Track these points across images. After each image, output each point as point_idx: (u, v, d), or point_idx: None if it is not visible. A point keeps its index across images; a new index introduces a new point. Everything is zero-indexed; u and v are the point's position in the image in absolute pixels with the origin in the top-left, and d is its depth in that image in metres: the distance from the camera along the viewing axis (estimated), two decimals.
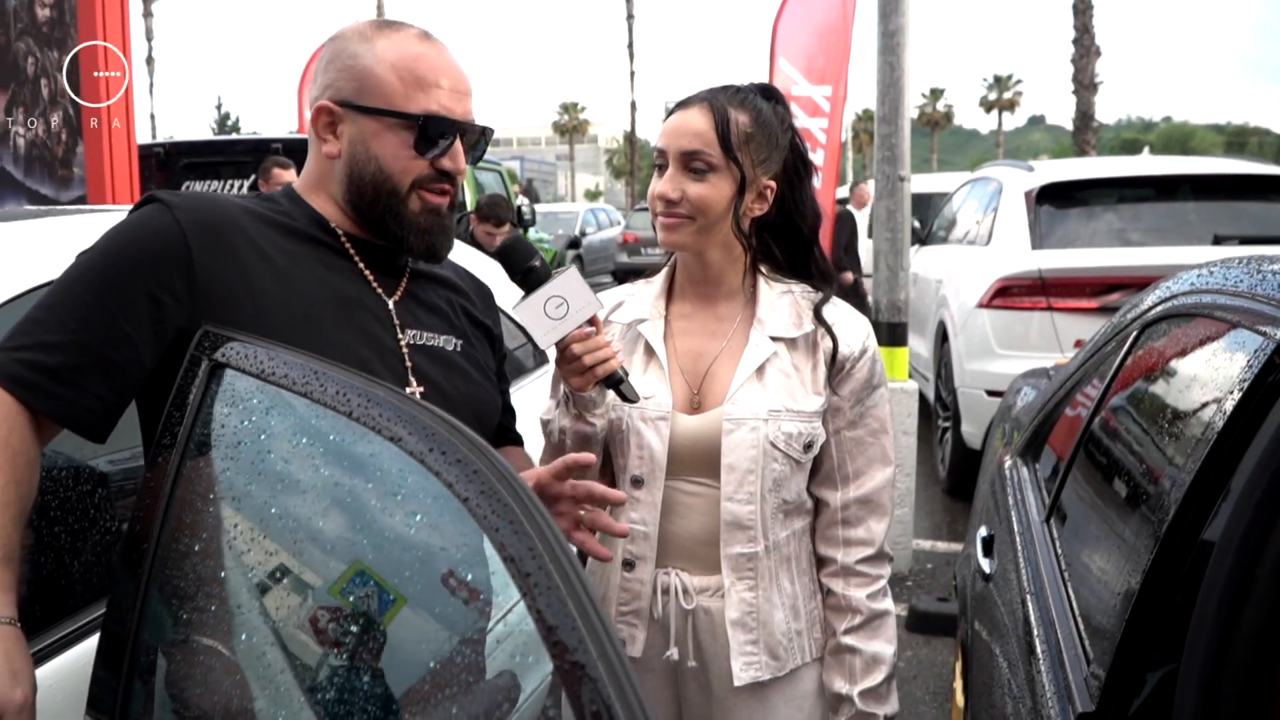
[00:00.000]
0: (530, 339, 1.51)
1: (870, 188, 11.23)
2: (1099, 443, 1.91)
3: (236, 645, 1.14)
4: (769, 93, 1.64)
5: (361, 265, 1.41)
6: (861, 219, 11.18)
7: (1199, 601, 1.28)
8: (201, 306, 1.26)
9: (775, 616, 1.59)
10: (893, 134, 4.70)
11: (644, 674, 1.64)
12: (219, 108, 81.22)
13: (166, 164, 7.46)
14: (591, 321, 1.49)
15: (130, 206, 1.37)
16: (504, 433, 1.66)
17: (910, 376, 5.25)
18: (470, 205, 7.43)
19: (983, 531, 2.40)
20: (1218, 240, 4.98)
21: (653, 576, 1.61)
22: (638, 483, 1.60)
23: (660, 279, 1.72)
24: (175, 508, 1.18)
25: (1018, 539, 2.10)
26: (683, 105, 1.59)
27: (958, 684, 2.70)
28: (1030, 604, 1.80)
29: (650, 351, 1.65)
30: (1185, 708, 1.27)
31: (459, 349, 1.49)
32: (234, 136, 12.09)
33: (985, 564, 2.25)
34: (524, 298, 1.50)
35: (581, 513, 1.36)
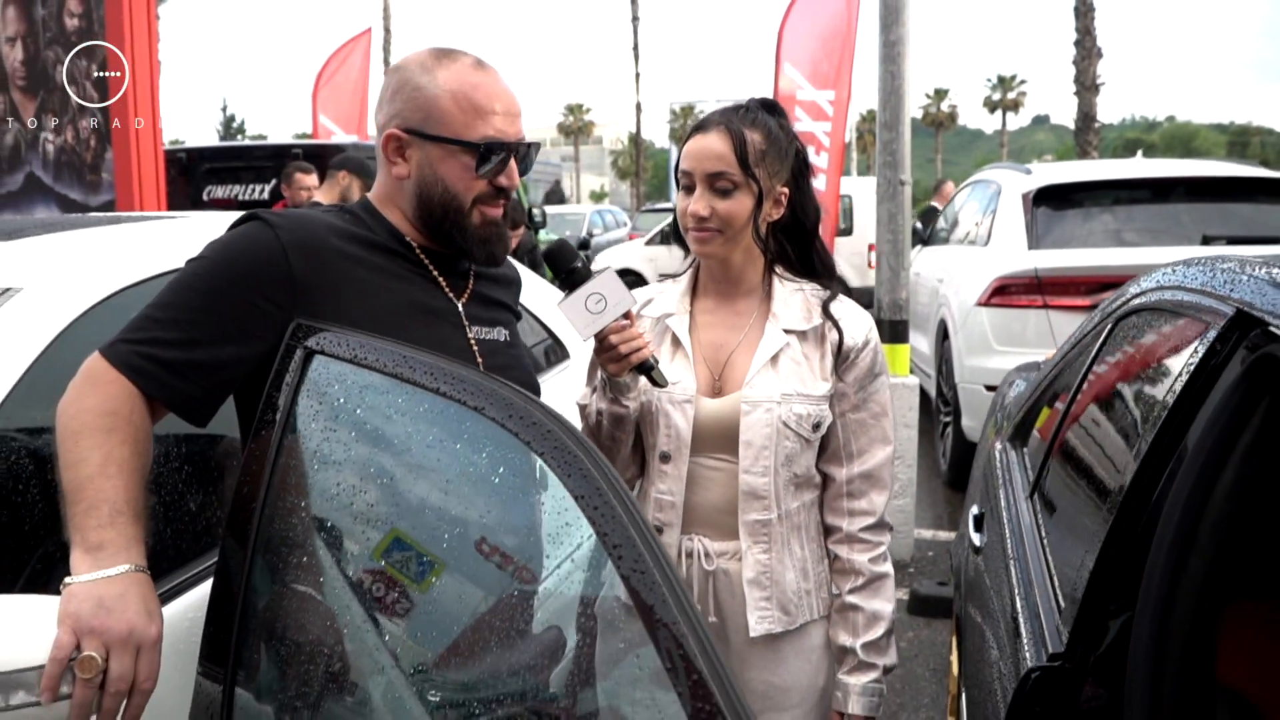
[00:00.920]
0: (574, 329, 1.71)
1: (952, 185, 11.56)
2: (1075, 425, 2.12)
3: (328, 592, 1.34)
4: (772, 107, 1.85)
5: (435, 273, 1.62)
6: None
7: (1150, 555, 1.48)
8: (300, 313, 1.45)
9: (787, 577, 1.80)
10: (894, 140, 4.91)
11: None
12: (224, 110, 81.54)
13: (189, 169, 7.65)
14: (626, 315, 1.70)
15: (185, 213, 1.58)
16: None
17: (912, 372, 5.45)
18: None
19: (974, 510, 2.61)
20: (1206, 240, 5.18)
21: (678, 541, 1.82)
22: (665, 458, 1.81)
23: (686, 279, 1.93)
24: (278, 477, 1.37)
25: (1004, 514, 2.31)
26: (700, 129, 1.79)
27: (954, 655, 2.90)
28: (1013, 569, 2.01)
29: (677, 342, 1.86)
30: (1140, 647, 1.47)
31: (508, 339, 1.71)
32: (254, 142, 12.30)
33: (976, 539, 2.46)
34: (567, 295, 1.70)
35: None
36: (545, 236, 14.67)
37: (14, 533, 1.55)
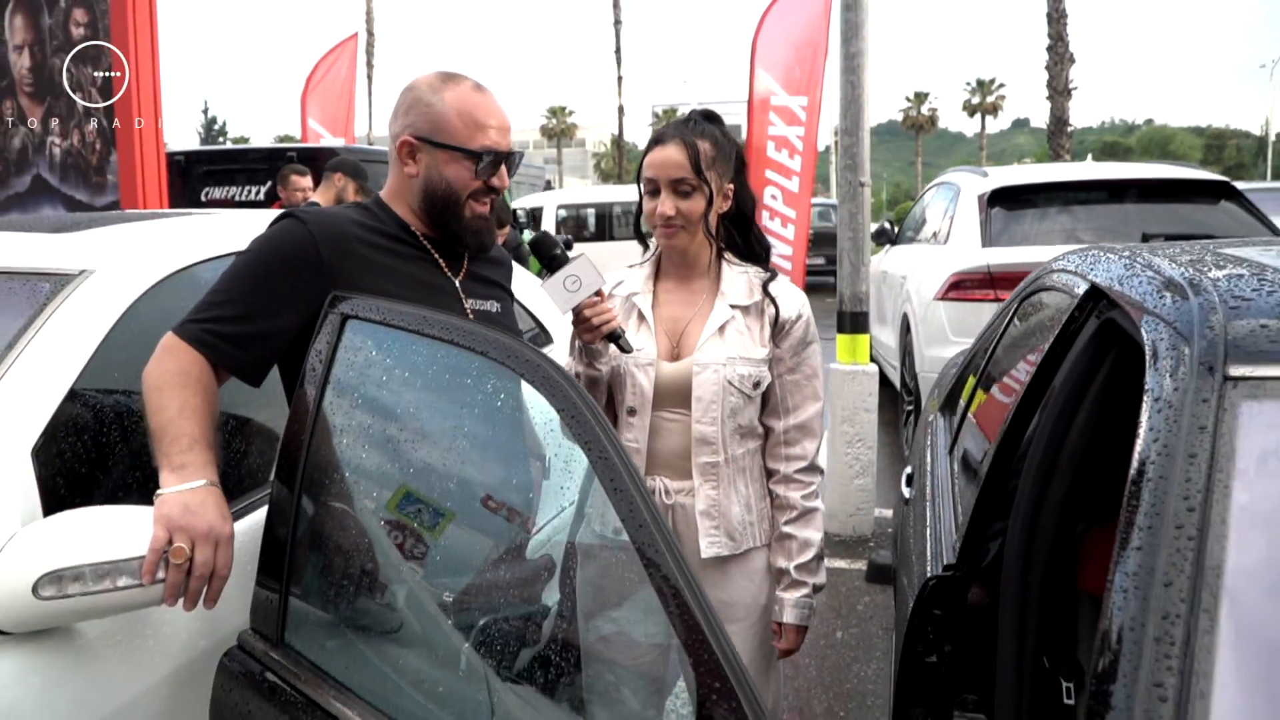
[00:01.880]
0: (555, 306, 2.07)
1: None
2: (980, 386, 2.50)
3: (362, 513, 1.69)
4: (713, 117, 2.23)
5: (436, 256, 1.98)
6: None
7: (1020, 483, 1.85)
8: (330, 290, 1.80)
9: (733, 510, 2.16)
10: (854, 144, 5.29)
11: None
12: (205, 112, 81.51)
13: (186, 171, 7.97)
14: (598, 294, 2.05)
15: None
16: None
17: (873, 360, 5.82)
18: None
19: (908, 470, 2.98)
20: (1145, 238, 5.56)
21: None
22: (632, 412, 2.16)
23: (649, 264, 2.29)
24: (320, 423, 1.72)
25: (929, 469, 2.68)
26: (659, 142, 2.15)
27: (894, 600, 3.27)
28: (928, 510, 2.38)
29: (641, 316, 2.22)
30: (1011, 556, 1.84)
31: (499, 310, 2.07)
32: (249, 146, 12.60)
33: (906, 492, 2.83)
34: (549, 277, 2.06)
35: None
36: (529, 236, 15.05)
37: (102, 464, 1.90)
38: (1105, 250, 1.99)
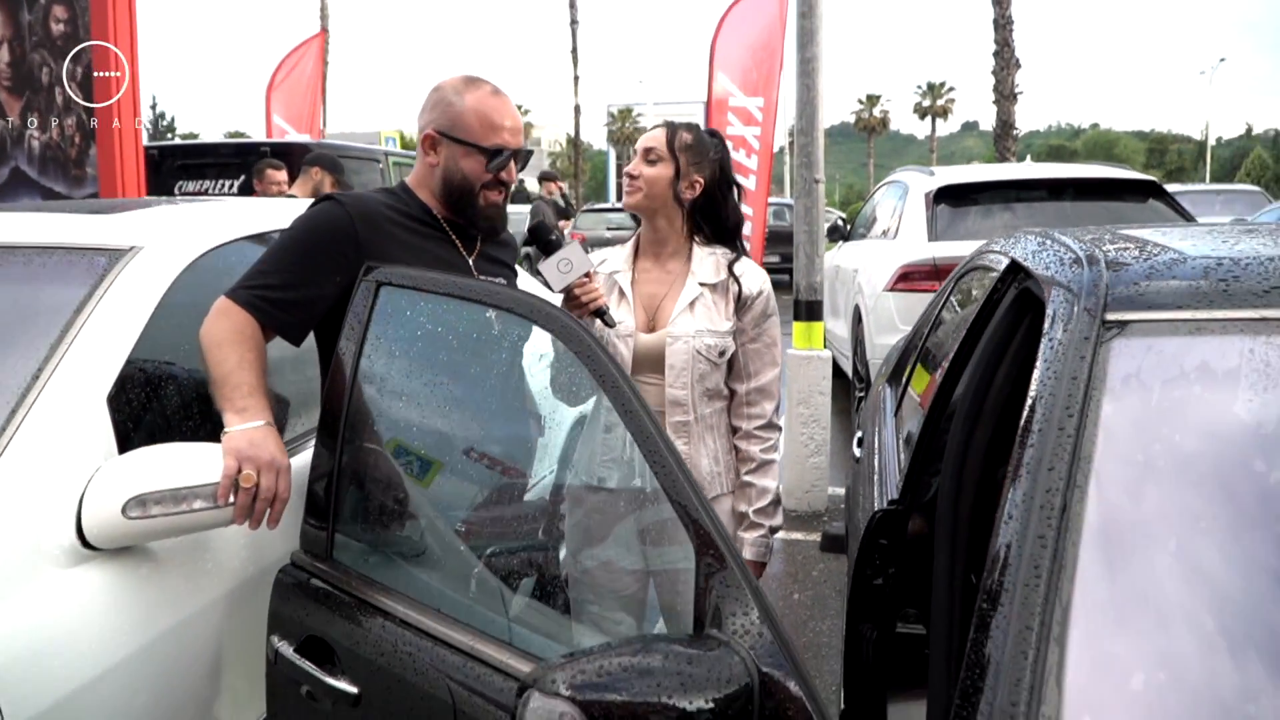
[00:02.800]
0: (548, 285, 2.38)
1: None
2: (918, 353, 2.83)
3: (396, 458, 1.97)
4: (712, 133, 2.54)
5: (453, 237, 2.27)
6: None
7: (950, 429, 2.18)
8: (365, 262, 2.08)
9: (702, 462, 2.46)
10: (809, 144, 5.64)
11: None
12: (154, 108, 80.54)
13: (160, 164, 8.14)
14: (587, 275, 2.35)
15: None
16: None
17: (827, 347, 6.17)
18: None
19: (859, 434, 3.31)
20: None
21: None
22: None
23: (630, 245, 2.60)
24: (359, 381, 1.99)
25: (875, 430, 3.01)
26: (651, 129, 2.48)
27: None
28: (875, 461, 2.71)
29: (622, 293, 2.52)
30: (945, 493, 2.16)
31: (505, 285, 2.36)
32: (222, 140, 12.71)
33: (857, 452, 3.16)
34: (543, 259, 2.36)
35: None
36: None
37: (161, 410, 2.17)
38: (1026, 232, 2.33)
